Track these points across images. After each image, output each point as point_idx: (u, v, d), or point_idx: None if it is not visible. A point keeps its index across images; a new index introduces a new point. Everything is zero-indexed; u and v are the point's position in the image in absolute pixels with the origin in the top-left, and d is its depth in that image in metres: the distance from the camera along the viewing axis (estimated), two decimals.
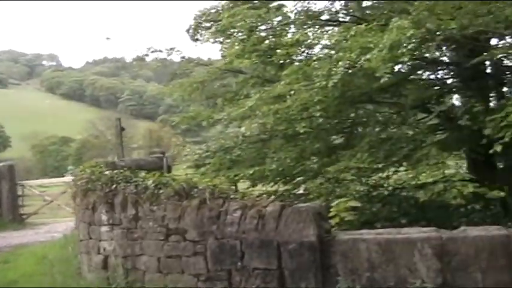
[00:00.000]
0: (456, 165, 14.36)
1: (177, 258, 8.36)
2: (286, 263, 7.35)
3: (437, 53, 12.10)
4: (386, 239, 6.92)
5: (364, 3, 12.85)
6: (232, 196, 8.14)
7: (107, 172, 9.96)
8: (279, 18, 12.48)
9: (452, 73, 12.78)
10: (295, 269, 7.28)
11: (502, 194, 9.29)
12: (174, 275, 8.39)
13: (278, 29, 12.22)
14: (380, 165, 11.26)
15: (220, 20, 12.70)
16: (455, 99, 13.51)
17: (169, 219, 8.45)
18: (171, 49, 13.99)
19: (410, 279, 6.69)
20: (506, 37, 10.92)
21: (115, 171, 9.88)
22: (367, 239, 7.02)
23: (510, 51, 11.91)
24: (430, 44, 10.37)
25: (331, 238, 7.24)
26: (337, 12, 13.04)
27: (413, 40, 8.99)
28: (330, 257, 7.18)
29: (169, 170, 14.79)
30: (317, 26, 13.02)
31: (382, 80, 8.82)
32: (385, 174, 12.35)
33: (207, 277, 8.01)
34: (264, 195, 12.25)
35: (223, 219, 7.90)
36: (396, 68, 10.89)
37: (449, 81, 13.05)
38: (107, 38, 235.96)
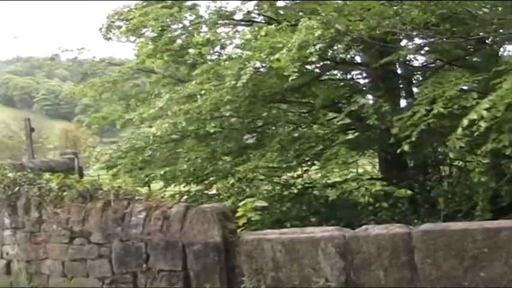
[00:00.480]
0: (370, 164, 14.65)
1: (82, 261, 8.13)
2: (192, 264, 7.26)
3: (350, 54, 12.26)
4: (290, 239, 6.91)
5: (278, 3, 12.90)
6: (137, 197, 8.00)
7: (10, 174, 9.63)
8: (192, 17, 12.38)
9: (364, 73, 12.98)
10: (200, 270, 7.20)
11: (409, 192, 9.46)
12: (79, 279, 8.17)
13: (190, 28, 12.13)
14: (291, 164, 11.33)
15: (132, 19, 12.51)
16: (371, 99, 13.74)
17: (73, 222, 8.22)
18: (82, 48, 13.78)
19: (315, 278, 6.69)
20: (415, 38, 11.11)
21: (18, 173, 9.58)
22: (272, 239, 6.99)
23: (421, 52, 12.23)
24: (340, 44, 10.48)
25: (236, 238, 7.19)
26: (249, 12, 13.05)
27: (322, 40, 9.07)
28: (235, 258, 7.12)
29: (80, 171, 14.46)
30: (231, 26, 13.01)
31: (290, 80, 8.86)
32: (295, 174, 12.44)
33: (112, 280, 7.83)
34: (176, 196, 12.22)
35: (127, 221, 7.73)
36: (309, 68, 10.99)
37: (361, 81, 13.26)
38: (15, 37, 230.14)
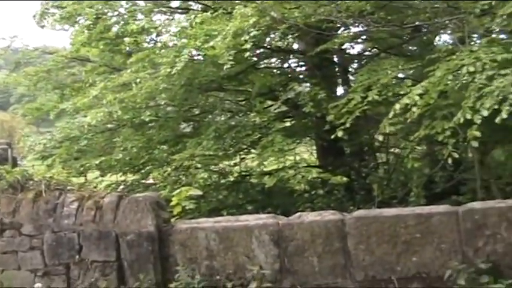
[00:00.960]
0: (308, 152, 14.73)
1: (13, 253, 7.93)
2: (125, 254, 7.19)
3: (286, 41, 12.26)
4: (224, 227, 6.91)
5: None
6: (69, 188, 7.89)
7: None
8: (127, 5, 12.22)
9: (301, 61, 13.01)
10: (134, 260, 7.13)
11: (345, 179, 9.54)
12: (10, 272, 7.99)
13: (126, 16, 11.96)
14: (228, 152, 11.31)
15: (66, 6, 12.26)
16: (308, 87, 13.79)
17: (3, 214, 8.01)
18: (15, 36, 13.44)
19: (249, 266, 6.70)
20: (351, 26, 11.15)
21: None
22: (206, 228, 6.98)
23: (358, 40, 12.31)
24: (276, 32, 10.47)
25: (169, 227, 7.16)
26: (185, 0, 12.94)
27: (257, 28, 9.04)
28: (169, 247, 7.09)
29: (14, 161, 14.10)
30: (167, 14, 12.89)
31: (225, 68, 8.81)
32: (232, 162, 12.42)
33: (44, 272, 7.69)
34: (113, 185, 12.08)
35: (59, 212, 7.61)
36: (245, 56, 10.95)
37: (298, 69, 13.30)
38: None
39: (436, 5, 9.07)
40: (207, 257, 6.92)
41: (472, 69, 6.90)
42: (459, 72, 7.09)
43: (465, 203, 6.72)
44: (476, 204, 6.37)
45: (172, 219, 7.37)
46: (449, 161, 7.32)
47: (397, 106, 7.36)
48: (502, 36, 9.10)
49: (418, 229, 6.30)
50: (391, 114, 7.45)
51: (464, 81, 6.96)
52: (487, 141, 8.17)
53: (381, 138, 11.92)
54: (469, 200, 7.29)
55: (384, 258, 6.40)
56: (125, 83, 10.39)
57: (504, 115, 6.23)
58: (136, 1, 12.36)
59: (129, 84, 10.30)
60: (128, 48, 12.11)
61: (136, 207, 7.12)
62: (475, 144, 6.72)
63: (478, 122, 6.52)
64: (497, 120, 6.30)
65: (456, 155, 7.24)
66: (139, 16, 11.98)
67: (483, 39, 8.07)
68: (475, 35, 8.97)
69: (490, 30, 8.54)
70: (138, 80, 10.02)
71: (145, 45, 12.04)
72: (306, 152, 15.10)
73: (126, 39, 11.77)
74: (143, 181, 12.34)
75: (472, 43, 8.16)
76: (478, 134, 6.58)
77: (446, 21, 8.80)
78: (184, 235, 7.04)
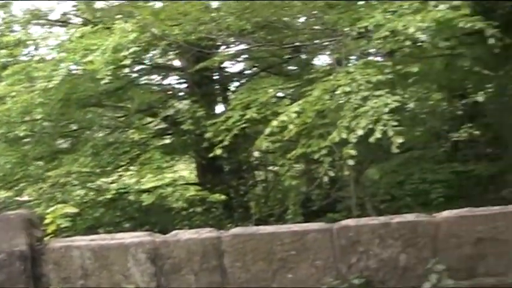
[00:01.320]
0: (188, 170, 14.74)
1: None
2: None
3: (167, 58, 12.28)
4: (99, 245, 6.76)
5: (95, 5, 12.65)
6: None
7: None
8: (4, 15, 11.89)
9: (181, 79, 13.05)
10: (5, 280, 6.83)
11: (223, 197, 9.59)
12: None
13: (1, 27, 11.63)
14: (106, 169, 11.17)
15: None
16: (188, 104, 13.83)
17: None
18: None
19: (125, 284, 6.58)
20: (232, 45, 11.28)
21: None
22: (81, 246, 6.80)
23: (238, 58, 12.46)
24: (156, 48, 10.45)
25: (43, 246, 6.94)
26: (65, 13, 12.72)
27: (137, 43, 8.99)
28: (42, 266, 6.84)
29: None
30: (47, 26, 12.62)
31: (103, 83, 8.70)
32: (110, 179, 12.25)
33: None
34: None
35: None
36: (125, 71, 10.87)
37: (178, 86, 13.33)
38: None
39: (314, 27, 9.29)
40: (82, 276, 6.74)
41: (348, 89, 7.05)
42: (336, 92, 7.25)
43: (340, 220, 6.84)
44: (351, 222, 6.48)
45: (47, 238, 7.15)
46: (326, 179, 7.46)
47: (274, 123, 7.46)
48: (378, 58, 9.46)
49: (294, 246, 6.35)
50: (267, 131, 7.53)
51: (340, 101, 7.11)
52: (362, 160, 8.40)
53: (259, 156, 12.08)
54: (345, 217, 7.42)
55: (259, 276, 6.41)
56: (0, 97, 10.08)
57: (378, 134, 6.41)
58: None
59: (3, 98, 10.00)
60: (3, 61, 11.71)
61: (7, 225, 6.86)
62: (350, 162, 6.89)
63: (354, 141, 6.68)
64: (372, 139, 6.48)
65: (332, 174, 7.40)
66: (16, 28, 11.68)
67: (359, 61, 8.32)
68: (352, 57, 9.25)
69: (366, 52, 8.85)
70: (13, 94, 9.74)
71: (22, 57, 11.70)
72: (185, 170, 15.10)
73: (2, 51, 11.41)
74: (17, 198, 11.97)
75: (349, 64, 8.39)
76: (353, 152, 6.74)
77: (325, 43, 9.03)
78: (58, 254, 6.85)
